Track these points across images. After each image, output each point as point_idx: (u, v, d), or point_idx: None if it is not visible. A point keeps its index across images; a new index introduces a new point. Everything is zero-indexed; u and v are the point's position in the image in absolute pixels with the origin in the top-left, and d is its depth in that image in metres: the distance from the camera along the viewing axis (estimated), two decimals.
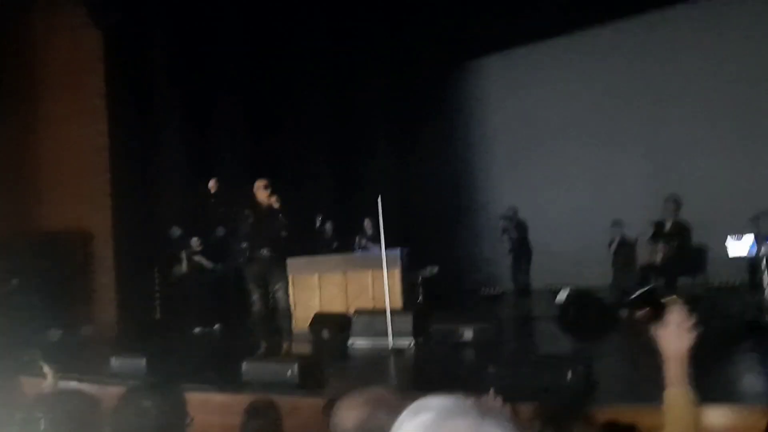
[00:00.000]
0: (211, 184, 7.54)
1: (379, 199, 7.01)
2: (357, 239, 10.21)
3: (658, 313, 2.21)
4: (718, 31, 11.43)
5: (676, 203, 8.40)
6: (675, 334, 2.07)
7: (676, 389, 2.06)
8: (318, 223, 10.60)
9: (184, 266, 9.98)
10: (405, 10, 12.41)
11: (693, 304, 6.86)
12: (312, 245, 10.16)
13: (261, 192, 7.51)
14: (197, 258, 10.03)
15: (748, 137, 11.09)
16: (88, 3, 9.56)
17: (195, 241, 10.12)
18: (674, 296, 3.91)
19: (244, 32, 11.55)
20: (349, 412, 1.79)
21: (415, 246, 10.26)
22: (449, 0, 11.91)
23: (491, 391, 2.97)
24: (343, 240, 10.51)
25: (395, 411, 1.20)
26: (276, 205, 7.39)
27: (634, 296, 7.71)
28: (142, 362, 6.12)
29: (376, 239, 9.99)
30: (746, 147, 11.08)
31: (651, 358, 2.16)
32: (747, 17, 11.12)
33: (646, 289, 7.90)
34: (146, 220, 10.41)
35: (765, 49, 10.89)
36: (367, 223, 10.31)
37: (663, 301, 5.89)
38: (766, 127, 10.92)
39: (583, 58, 12.75)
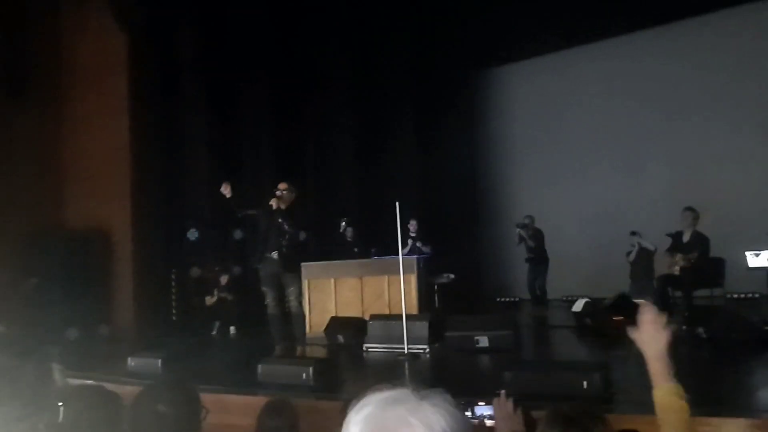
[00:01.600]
0: (225, 189, 7.51)
1: (397, 206, 7.01)
2: (409, 242, 10.21)
3: (632, 317, 2.27)
4: (740, 42, 11.35)
5: (694, 214, 8.33)
6: (650, 334, 2.12)
7: (663, 386, 2.09)
8: (341, 228, 10.62)
9: (212, 300, 10.12)
10: (427, 18, 12.43)
11: (712, 315, 6.82)
12: (335, 249, 10.22)
13: (277, 195, 7.58)
14: (223, 294, 10.16)
15: None
16: (114, 5, 9.67)
17: (224, 278, 10.27)
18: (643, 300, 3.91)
19: (269, 36, 11.60)
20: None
21: (432, 252, 10.28)
22: (469, 8, 11.91)
23: (502, 393, 2.96)
24: (364, 245, 10.50)
25: None
26: (282, 207, 7.46)
27: (607, 304, 7.74)
28: (158, 362, 6.15)
29: (424, 240, 10.12)
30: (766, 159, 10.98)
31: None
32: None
33: (617, 295, 7.94)
34: (166, 221, 10.48)
35: None
36: (413, 225, 10.34)
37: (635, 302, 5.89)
38: None
39: (605, 68, 12.71)
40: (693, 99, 11.78)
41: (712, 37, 11.66)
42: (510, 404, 2.93)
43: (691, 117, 11.79)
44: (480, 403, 3.24)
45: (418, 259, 8.77)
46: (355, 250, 10.28)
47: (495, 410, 2.94)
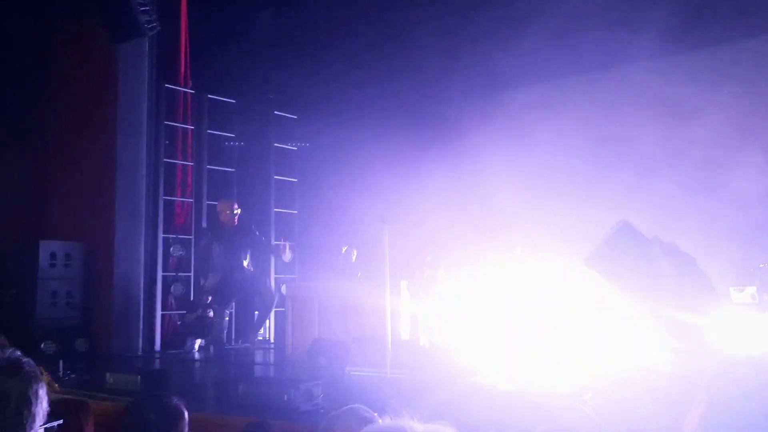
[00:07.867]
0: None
1: (386, 231, 6.99)
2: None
3: None
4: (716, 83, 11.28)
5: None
6: None
7: None
8: (343, 251, 10.60)
9: (195, 315, 10.04)
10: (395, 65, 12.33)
11: None
12: (336, 272, 10.19)
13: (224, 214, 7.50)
14: (208, 313, 10.09)
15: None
16: (105, 18, 9.62)
17: (204, 297, 10.21)
18: None
19: (258, 67, 11.62)
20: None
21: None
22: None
23: None
24: (365, 268, 10.44)
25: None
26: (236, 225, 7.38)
27: None
28: (138, 379, 6.06)
29: None
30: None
31: None
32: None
33: None
34: (150, 237, 10.36)
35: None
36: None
37: None
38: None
39: (570, 106, 12.46)
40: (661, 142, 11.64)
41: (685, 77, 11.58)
42: None
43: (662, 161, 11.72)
44: None
45: (403, 283, 8.73)
46: (358, 273, 10.19)
47: None
